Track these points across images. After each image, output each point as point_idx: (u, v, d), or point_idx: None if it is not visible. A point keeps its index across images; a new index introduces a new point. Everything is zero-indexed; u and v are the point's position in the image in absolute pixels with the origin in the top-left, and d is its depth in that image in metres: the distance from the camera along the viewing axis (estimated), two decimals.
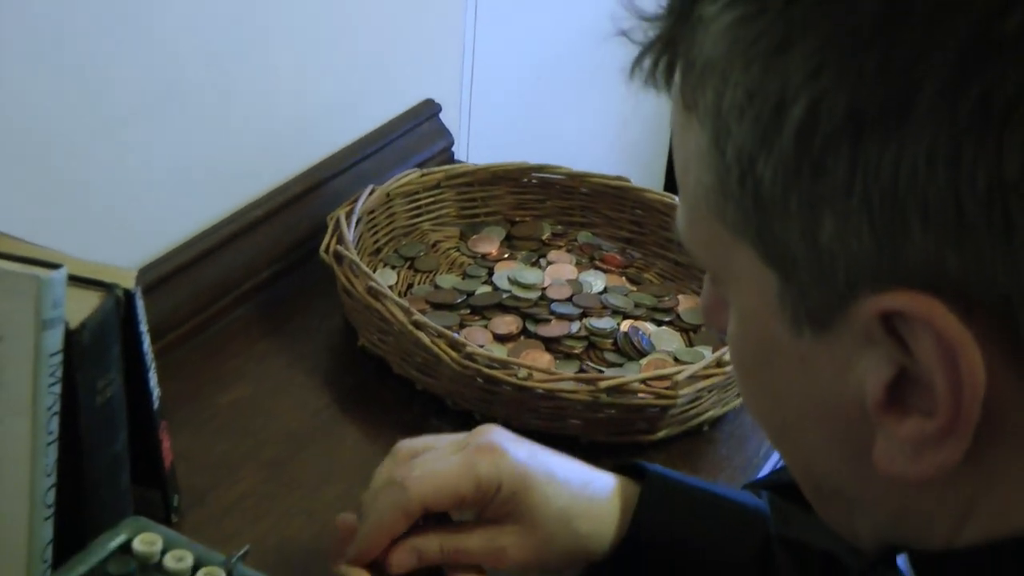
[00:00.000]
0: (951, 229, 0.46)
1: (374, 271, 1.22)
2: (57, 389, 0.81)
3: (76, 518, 0.85)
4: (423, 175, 1.34)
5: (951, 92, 0.45)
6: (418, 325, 1.10)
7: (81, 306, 0.84)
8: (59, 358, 0.80)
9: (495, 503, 0.86)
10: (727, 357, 1.08)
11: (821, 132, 0.47)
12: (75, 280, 0.84)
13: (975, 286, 0.47)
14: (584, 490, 0.87)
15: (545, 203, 1.39)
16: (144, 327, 0.90)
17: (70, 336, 0.81)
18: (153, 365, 0.93)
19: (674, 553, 0.86)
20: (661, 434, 1.08)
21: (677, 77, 0.54)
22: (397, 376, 1.16)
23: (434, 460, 0.87)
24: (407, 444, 0.91)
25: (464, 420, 1.11)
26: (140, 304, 0.89)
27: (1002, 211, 0.45)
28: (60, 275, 0.79)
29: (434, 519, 0.87)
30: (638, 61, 0.56)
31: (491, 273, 1.28)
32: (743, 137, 0.50)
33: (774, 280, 0.52)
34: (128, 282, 0.87)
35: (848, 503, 0.59)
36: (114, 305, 0.85)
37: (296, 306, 1.27)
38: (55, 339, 0.80)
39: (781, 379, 0.56)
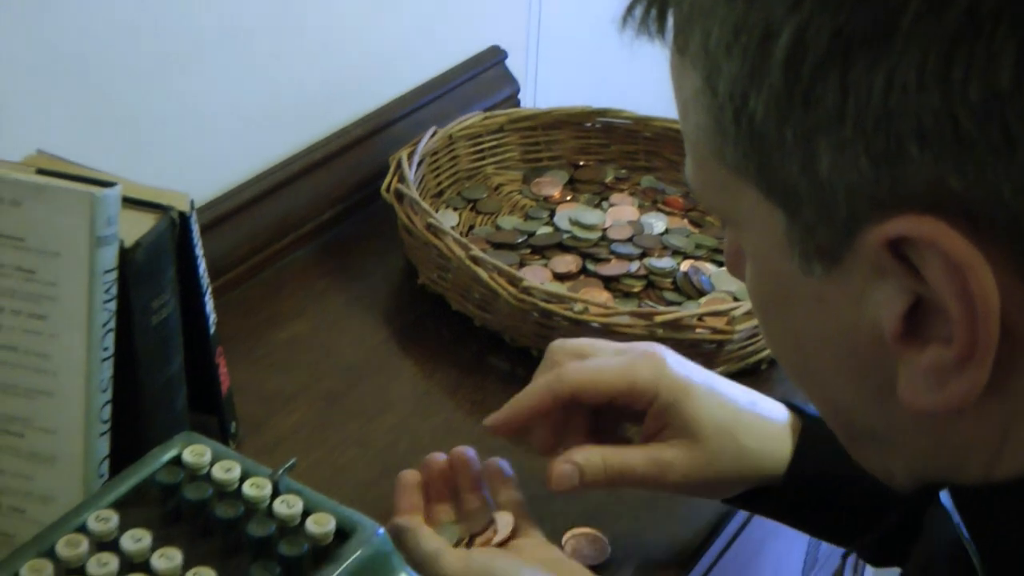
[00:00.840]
0: (949, 147, 0.45)
1: (436, 212, 1.22)
2: (112, 306, 0.82)
3: (132, 437, 0.86)
4: (486, 118, 1.34)
5: (936, 5, 0.44)
6: (476, 261, 1.10)
7: (136, 227, 0.85)
8: (113, 276, 0.81)
9: (653, 413, 0.86)
10: None
11: (808, 61, 0.46)
12: (130, 202, 0.85)
13: (981, 205, 0.45)
14: (751, 408, 0.87)
15: (609, 147, 1.38)
16: (200, 251, 0.91)
17: (124, 255, 0.82)
18: (209, 290, 0.93)
19: (833, 489, 0.86)
20: (718, 371, 1.06)
21: (669, 22, 0.54)
22: (456, 313, 1.16)
23: (595, 350, 0.88)
24: (562, 342, 0.91)
25: (521, 357, 1.11)
26: (195, 228, 0.90)
27: (1000, 124, 0.44)
28: (114, 192, 0.80)
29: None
30: (629, 10, 0.55)
31: (552, 215, 1.28)
32: (733, 73, 0.49)
33: (781, 218, 0.51)
34: (183, 205, 0.88)
35: (880, 443, 0.59)
36: (169, 226, 0.86)
37: (356, 247, 1.27)
38: (109, 256, 0.81)
39: (799, 320, 0.55)
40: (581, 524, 0.94)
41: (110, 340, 0.82)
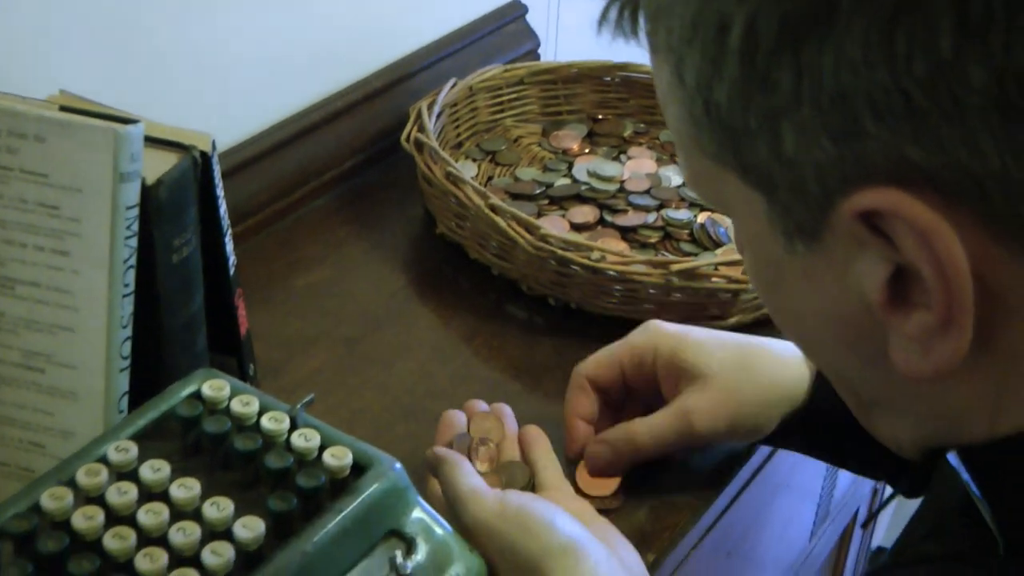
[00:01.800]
0: (903, 120, 0.46)
1: (455, 163, 1.23)
2: (134, 243, 0.83)
3: (152, 375, 0.87)
4: (506, 70, 1.35)
5: None
6: (494, 209, 1.10)
7: (158, 165, 0.85)
8: (135, 212, 0.82)
9: (660, 369, 0.89)
10: None
11: (762, 48, 0.48)
12: (153, 141, 0.86)
13: (943, 172, 0.47)
14: (756, 343, 0.90)
15: (628, 101, 1.38)
16: (220, 192, 0.92)
17: (147, 192, 0.83)
18: (229, 232, 0.94)
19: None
20: (732, 320, 1.07)
21: (641, 22, 0.56)
22: (474, 262, 1.16)
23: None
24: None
25: (538, 305, 1.12)
26: (217, 168, 0.90)
27: (947, 93, 0.45)
28: (138, 130, 0.81)
29: None
30: (604, 14, 0.57)
31: (571, 167, 1.28)
32: (696, 66, 0.51)
33: (761, 202, 0.53)
34: (205, 145, 0.89)
35: (884, 410, 0.60)
36: (191, 165, 0.87)
37: (376, 196, 1.28)
38: (132, 193, 0.82)
39: (794, 297, 0.57)
40: None
41: (131, 277, 0.83)
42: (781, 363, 0.88)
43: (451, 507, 0.81)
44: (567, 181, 1.26)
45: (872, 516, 1.54)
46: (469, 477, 0.82)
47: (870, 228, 0.49)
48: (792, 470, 1.17)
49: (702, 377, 0.87)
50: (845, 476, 1.37)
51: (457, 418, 0.92)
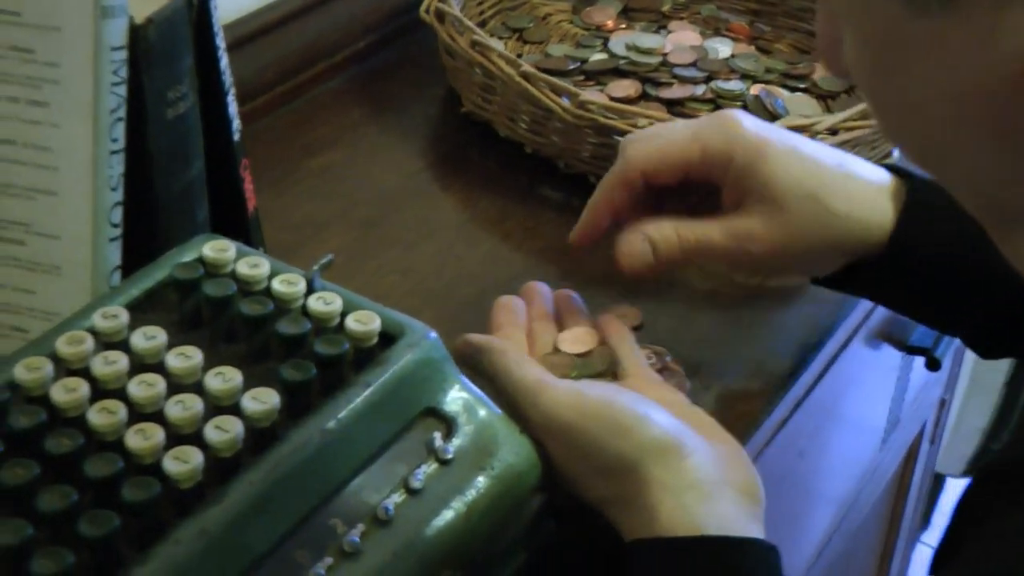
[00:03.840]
0: None
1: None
2: (122, 91, 0.72)
3: (147, 249, 0.75)
4: None
5: None
6: (527, 77, 0.99)
7: (148, 3, 0.74)
8: (123, 55, 0.71)
9: (730, 179, 0.75)
10: None
11: None
12: None
13: None
14: (839, 168, 0.76)
15: None
16: (221, 43, 0.80)
17: (135, 32, 0.72)
18: (232, 91, 0.83)
19: (944, 262, 0.76)
20: None
21: None
22: (503, 141, 1.05)
23: (658, 129, 0.78)
24: (629, 135, 0.80)
25: (576, 184, 1.00)
26: (216, 15, 0.79)
27: None
28: None
29: None
30: None
31: (606, 43, 1.17)
32: None
33: None
34: None
35: None
36: (185, 4, 0.75)
37: (393, 77, 1.17)
38: (117, 31, 0.71)
39: (918, 79, 0.45)
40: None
41: (120, 130, 0.72)
42: (862, 199, 0.76)
43: (511, 403, 0.68)
44: (603, 56, 1.14)
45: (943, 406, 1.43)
46: (528, 365, 0.70)
47: None
48: (864, 365, 1.06)
49: (771, 200, 0.74)
50: (917, 376, 1.26)
51: (516, 305, 0.80)
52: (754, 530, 0.64)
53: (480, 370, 0.71)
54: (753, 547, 0.63)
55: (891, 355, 1.15)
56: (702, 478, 0.64)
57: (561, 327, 0.78)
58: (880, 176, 0.77)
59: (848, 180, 0.76)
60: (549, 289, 0.81)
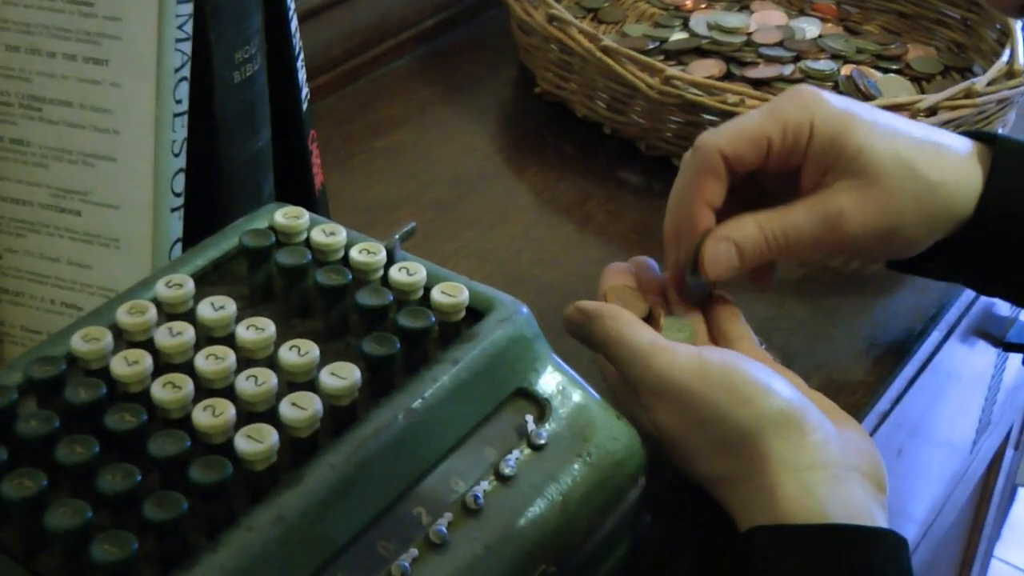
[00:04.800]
0: None
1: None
2: (187, 48, 0.67)
3: (210, 221, 0.70)
4: None
5: None
6: (608, 52, 0.93)
7: None
8: (188, 9, 0.66)
9: (812, 154, 0.69)
10: (978, 86, 0.89)
11: None
12: None
13: None
14: (927, 136, 0.71)
15: None
16: (292, 3, 0.76)
17: None
18: (302, 56, 0.78)
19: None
20: None
21: None
22: (580, 121, 1.00)
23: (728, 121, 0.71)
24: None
25: (658, 167, 0.95)
26: None
27: None
28: None
29: None
30: None
31: (686, 22, 1.11)
32: None
33: None
34: None
35: None
36: None
37: (463, 57, 1.12)
38: None
39: None
40: None
41: (184, 91, 0.67)
42: (953, 167, 0.70)
43: (622, 367, 0.63)
44: (684, 35, 1.09)
45: None
46: (641, 327, 0.64)
47: None
48: (961, 362, 1.00)
49: (862, 172, 0.68)
50: (1009, 376, 1.20)
51: (629, 270, 0.74)
52: (881, 520, 0.58)
53: (591, 339, 0.66)
54: (886, 539, 0.57)
55: (987, 352, 1.08)
56: (826, 457, 0.58)
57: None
58: (965, 145, 0.72)
59: (936, 148, 0.70)
60: (657, 266, 0.75)
